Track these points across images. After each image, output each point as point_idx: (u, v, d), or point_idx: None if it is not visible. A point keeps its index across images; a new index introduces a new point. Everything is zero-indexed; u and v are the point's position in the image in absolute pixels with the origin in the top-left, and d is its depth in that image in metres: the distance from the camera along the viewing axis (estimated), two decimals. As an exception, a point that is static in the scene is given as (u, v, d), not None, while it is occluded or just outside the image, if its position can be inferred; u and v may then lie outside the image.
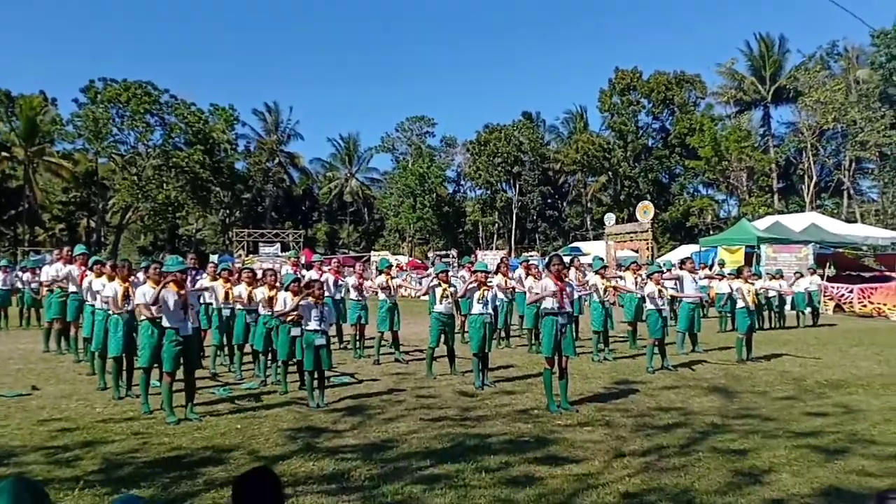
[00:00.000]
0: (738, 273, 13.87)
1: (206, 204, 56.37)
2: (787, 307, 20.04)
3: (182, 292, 7.62)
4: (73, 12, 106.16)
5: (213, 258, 28.34)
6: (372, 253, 45.27)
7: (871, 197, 50.01)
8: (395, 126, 65.34)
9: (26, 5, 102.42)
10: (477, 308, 9.68)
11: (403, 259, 43.56)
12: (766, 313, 18.87)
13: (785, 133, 53.56)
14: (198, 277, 12.00)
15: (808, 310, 19.99)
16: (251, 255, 40.92)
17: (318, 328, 8.33)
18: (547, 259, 8.68)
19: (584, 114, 63.04)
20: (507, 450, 6.36)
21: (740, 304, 12.39)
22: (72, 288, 11.62)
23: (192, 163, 50.36)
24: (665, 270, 13.48)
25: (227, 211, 62.15)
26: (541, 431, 7.10)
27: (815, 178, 46.42)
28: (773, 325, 19.06)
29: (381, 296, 12.16)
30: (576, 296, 8.53)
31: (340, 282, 13.39)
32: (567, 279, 8.55)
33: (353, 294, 12.74)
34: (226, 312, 10.77)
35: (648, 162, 55.43)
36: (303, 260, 19.48)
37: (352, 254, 53.78)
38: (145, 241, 64.39)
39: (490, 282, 10.56)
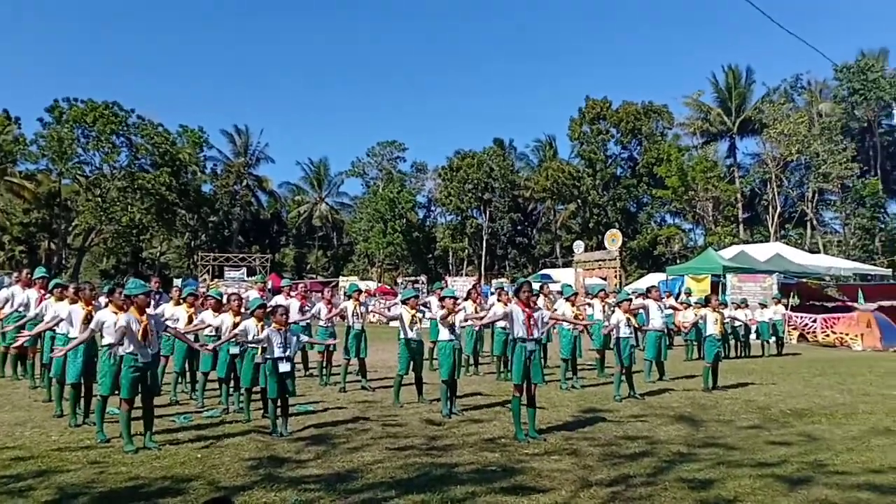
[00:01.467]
0: (706, 302, 14.01)
1: (171, 227, 55.63)
2: (752, 336, 20.26)
3: (143, 318, 7.44)
4: (38, 30, 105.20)
5: (177, 282, 27.93)
6: (341, 278, 45.02)
7: (834, 228, 51.13)
8: (366, 151, 65.48)
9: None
10: (445, 335, 9.62)
11: (372, 284, 43.36)
12: (731, 342, 19.09)
13: (750, 164, 54.72)
14: (161, 301, 11.76)
15: (773, 339, 20.23)
16: (216, 280, 40.42)
17: (282, 355, 8.19)
18: (516, 285, 8.65)
19: (554, 142, 63.87)
20: (473, 480, 6.27)
21: (708, 332, 12.49)
22: (31, 313, 11.30)
23: (158, 185, 49.66)
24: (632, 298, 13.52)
25: (193, 234, 61.44)
26: (508, 461, 7.03)
27: (779, 209, 47.32)
28: (738, 354, 19.27)
29: (349, 321, 12.02)
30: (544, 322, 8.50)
31: (307, 307, 13.21)
32: (535, 306, 8.53)
33: (322, 321, 12.59)
34: (190, 338, 10.54)
35: (617, 190, 56.13)
36: (270, 285, 19.26)
37: (320, 279, 53.43)
38: (108, 265, 63.32)
39: (459, 308, 10.52)
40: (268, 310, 9.09)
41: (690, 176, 47.18)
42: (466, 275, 53.73)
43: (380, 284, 47.11)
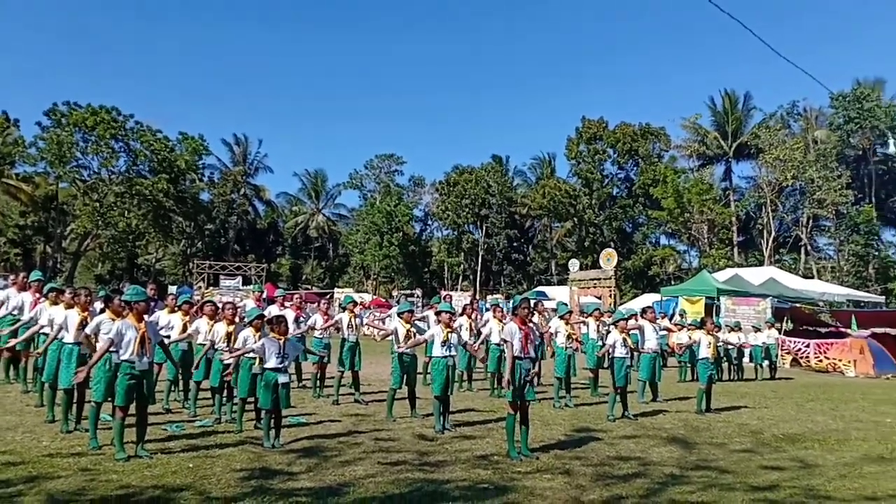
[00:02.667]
0: (701, 324, 14.02)
1: (168, 233, 55.54)
2: (745, 359, 20.28)
3: (141, 325, 7.43)
4: (37, 33, 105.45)
5: (172, 289, 27.87)
6: (336, 290, 44.98)
7: (828, 254, 51.38)
8: (364, 163, 65.58)
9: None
10: (440, 350, 9.63)
11: (367, 297, 43.32)
12: (724, 365, 19.12)
13: (746, 188, 55.09)
14: (156, 308, 11.74)
15: (766, 363, 20.27)
16: (211, 288, 40.32)
17: (279, 366, 8.18)
18: (513, 303, 8.65)
19: (553, 160, 64.11)
20: (465, 497, 6.26)
21: (702, 355, 12.51)
22: (25, 316, 11.25)
23: (155, 191, 49.59)
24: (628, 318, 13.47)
25: (189, 241, 61.36)
26: (500, 478, 7.01)
27: (773, 234, 47.52)
28: (731, 378, 19.27)
29: (344, 334, 12.03)
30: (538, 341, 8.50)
31: (301, 318, 13.20)
32: (531, 324, 8.53)
33: (317, 332, 12.57)
34: (183, 346, 10.50)
35: (613, 210, 56.33)
36: (265, 294, 19.22)
37: (315, 290, 53.33)
38: (103, 270, 63.16)
39: (455, 323, 10.52)
40: (266, 320, 9.07)
41: (686, 198, 47.47)
42: (461, 290, 53.69)
43: (375, 297, 47.05)
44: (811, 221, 47.99)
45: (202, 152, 54.37)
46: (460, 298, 29.86)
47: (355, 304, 12.89)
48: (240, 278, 43.92)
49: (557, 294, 37.30)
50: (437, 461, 7.69)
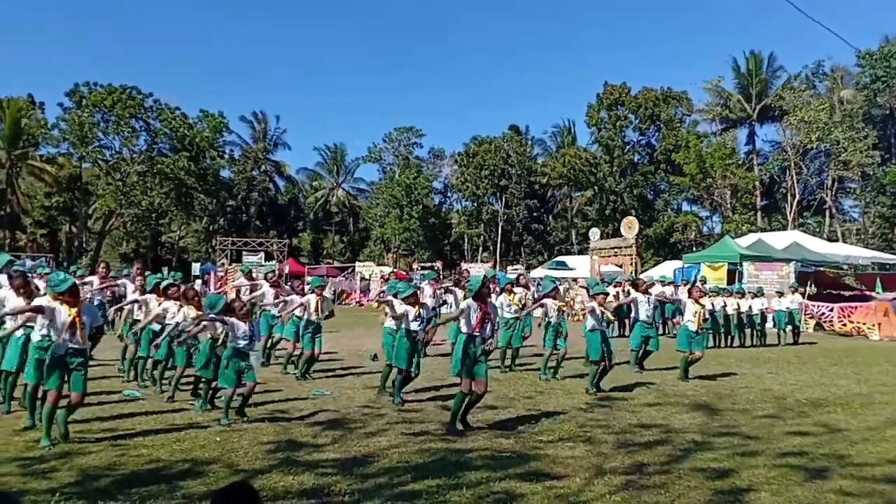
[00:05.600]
0: (689, 292, 13.78)
1: (190, 211, 56.01)
2: (769, 325, 20.15)
3: (73, 309, 7.04)
4: (60, 16, 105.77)
5: (196, 266, 28.14)
6: (357, 263, 45.17)
7: (853, 216, 50.65)
8: (383, 136, 65.42)
9: (17, 7, 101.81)
10: (412, 325, 9.43)
11: (388, 270, 43.46)
12: (747, 331, 19.05)
13: (769, 151, 54.15)
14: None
15: (789, 328, 20.11)
16: (234, 264, 40.68)
17: (245, 346, 8.15)
18: (475, 281, 8.26)
19: (573, 128, 63.41)
20: (488, 465, 6.34)
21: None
22: None
23: (176, 169, 50.01)
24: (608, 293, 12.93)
25: (211, 219, 61.86)
26: (522, 447, 7.08)
27: (797, 197, 46.86)
28: (754, 343, 19.17)
29: (311, 316, 11.58)
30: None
31: (280, 297, 12.94)
32: (490, 302, 8.19)
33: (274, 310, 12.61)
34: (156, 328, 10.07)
35: (634, 177, 55.75)
36: (287, 270, 19.23)
37: (336, 264, 53.63)
38: (127, 248, 63.86)
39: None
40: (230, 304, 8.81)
41: (709, 163, 46.87)
42: (482, 261, 53.71)
43: (395, 270, 47.19)
44: (836, 184, 47.21)
45: (222, 129, 54.57)
46: (479, 270, 29.79)
47: (322, 287, 12.55)
48: (262, 254, 44.26)
49: (578, 263, 37.18)
50: (460, 431, 7.77)
